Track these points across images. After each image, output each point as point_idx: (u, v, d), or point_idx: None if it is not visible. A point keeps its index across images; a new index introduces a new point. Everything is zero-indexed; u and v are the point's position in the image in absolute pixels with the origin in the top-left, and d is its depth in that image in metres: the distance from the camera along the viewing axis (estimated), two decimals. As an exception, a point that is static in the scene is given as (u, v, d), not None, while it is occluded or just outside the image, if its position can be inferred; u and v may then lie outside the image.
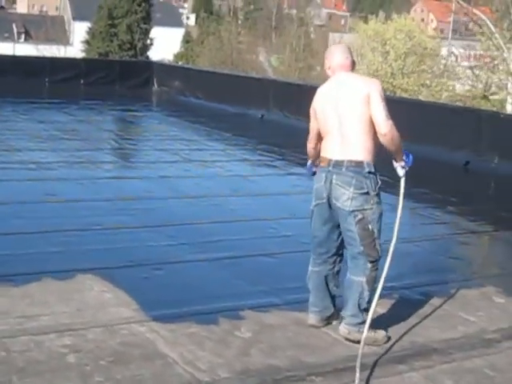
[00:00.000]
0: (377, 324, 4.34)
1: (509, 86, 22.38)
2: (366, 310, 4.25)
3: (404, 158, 4.26)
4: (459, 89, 26.35)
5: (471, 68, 25.03)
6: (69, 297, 4.69)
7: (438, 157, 10.84)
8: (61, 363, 3.79)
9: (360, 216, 4.14)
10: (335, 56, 4.33)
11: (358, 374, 3.81)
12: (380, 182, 4.21)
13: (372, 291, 4.21)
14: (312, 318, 4.48)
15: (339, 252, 4.41)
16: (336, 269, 4.44)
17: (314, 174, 4.66)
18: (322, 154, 4.30)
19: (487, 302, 5.20)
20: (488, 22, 23.40)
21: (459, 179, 10.41)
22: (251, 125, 14.13)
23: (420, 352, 4.28)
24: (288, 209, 7.50)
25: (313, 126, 4.43)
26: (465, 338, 4.54)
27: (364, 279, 4.20)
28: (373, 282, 4.23)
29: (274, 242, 6.32)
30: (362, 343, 4.01)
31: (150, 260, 5.54)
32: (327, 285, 4.43)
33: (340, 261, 4.45)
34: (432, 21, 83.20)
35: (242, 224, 6.84)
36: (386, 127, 4.08)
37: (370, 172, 4.15)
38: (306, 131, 4.53)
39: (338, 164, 4.17)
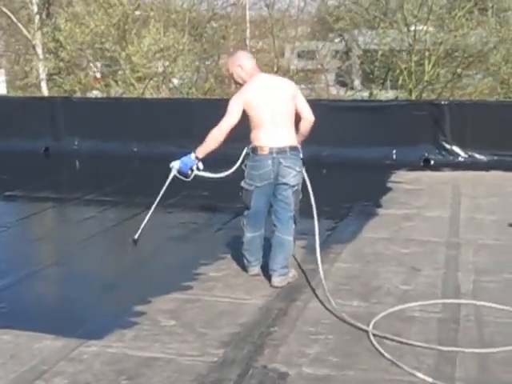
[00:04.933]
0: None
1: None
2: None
3: None
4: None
5: None
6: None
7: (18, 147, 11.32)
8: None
9: (296, 187, 5.25)
10: (247, 61, 5.23)
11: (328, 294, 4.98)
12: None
13: None
14: (256, 270, 5.61)
15: None
16: None
17: (191, 169, 5.28)
18: (259, 144, 5.14)
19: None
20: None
21: (41, 164, 11.21)
22: None
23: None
24: None
25: (236, 119, 5.10)
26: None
27: (292, 238, 5.35)
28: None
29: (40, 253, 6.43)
30: (320, 268, 5.21)
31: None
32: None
33: None
34: None
35: None
36: (312, 116, 5.26)
37: (301, 154, 5.25)
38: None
39: (281, 150, 5.13)
